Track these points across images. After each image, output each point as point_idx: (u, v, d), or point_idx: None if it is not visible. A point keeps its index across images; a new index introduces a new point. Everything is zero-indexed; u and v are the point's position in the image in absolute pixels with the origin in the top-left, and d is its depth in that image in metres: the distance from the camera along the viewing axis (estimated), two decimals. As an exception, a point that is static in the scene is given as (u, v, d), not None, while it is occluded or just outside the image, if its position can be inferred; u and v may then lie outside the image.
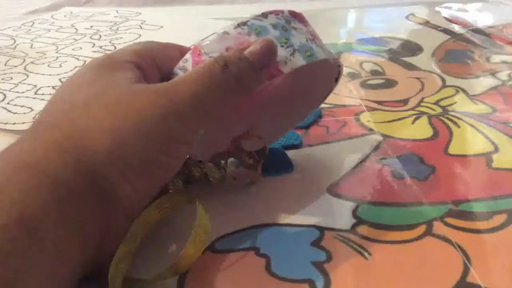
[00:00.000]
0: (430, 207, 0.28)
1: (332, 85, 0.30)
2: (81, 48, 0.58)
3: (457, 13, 0.70)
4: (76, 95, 0.23)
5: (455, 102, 0.42)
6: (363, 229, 0.27)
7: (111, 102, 0.22)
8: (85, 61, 0.53)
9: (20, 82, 0.48)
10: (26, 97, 0.44)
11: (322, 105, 0.34)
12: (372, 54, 0.54)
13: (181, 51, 0.27)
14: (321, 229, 0.27)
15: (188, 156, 0.29)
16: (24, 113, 0.41)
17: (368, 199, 0.29)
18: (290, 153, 0.34)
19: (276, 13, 0.25)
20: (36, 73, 0.50)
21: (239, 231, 0.27)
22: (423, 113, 0.40)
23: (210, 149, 0.30)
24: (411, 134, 0.36)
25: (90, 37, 0.62)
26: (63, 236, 0.19)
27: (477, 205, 0.28)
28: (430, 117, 0.39)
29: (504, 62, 0.51)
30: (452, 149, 0.34)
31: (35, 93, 0.45)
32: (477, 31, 0.61)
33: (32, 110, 0.41)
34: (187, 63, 0.25)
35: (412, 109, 0.41)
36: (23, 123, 0.39)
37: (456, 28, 0.63)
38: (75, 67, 0.51)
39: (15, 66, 0.52)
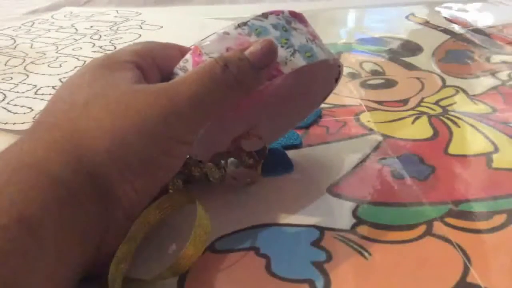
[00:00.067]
0: (430, 207, 0.28)
1: (332, 85, 0.30)
2: (81, 48, 0.58)
3: (457, 13, 0.70)
4: (76, 95, 0.23)
5: (455, 102, 0.42)
6: (363, 229, 0.27)
7: (111, 102, 0.22)
8: (85, 61, 0.53)
9: (20, 82, 0.48)
10: (26, 97, 0.44)
11: (322, 105, 0.34)
12: (372, 54, 0.54)
13: (181, 51, 0.27)
14: (321, 229, 0.27)
15: (188, 156, 0.29)
16: (24, 113, 0.41)
17: (368, 199, 0.29)
18: (290, 153, 0.34)
19: (277, 13, 0.25)
20: (36, 73, 0.50)
21: (239, 231, 0.27)
22: (423, 113, 0.40)
23: (210, 149, 0.30)
24: (411, 134, 0.36)
25: (90, 37, 0.62)
26: (63, 236, 0.19)
27: (477, 205, 0.28)
28: (430, 117, 0.39)
29: (504, 62, 0.51)
30: (452, 149, 0.34)
31: (35, 93, 0.45)
32: (477, 31, 0.61)
33: (32, 110, 0.41)
34: (187, 63, 0.25)
35: (412, 109, 0.41)
36: (23, 123, 0.39)
37: (456, 28, 0.63)
38: (75, 67, 0.51)
39: (15, 66, 0.52)
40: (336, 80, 0.30)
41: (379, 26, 0.66)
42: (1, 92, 0.45)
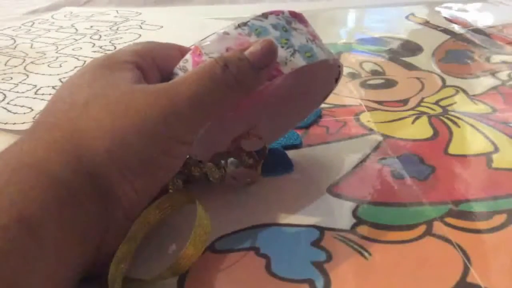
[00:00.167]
0: (430, 207, 0.28)
1: (332, 86, 0.30)
2: (81, 48, 0.58)
3: (457, 13, 0.70)
4: (76, 95, 0.23)
5: (455, 102, 0.42)
6: (363, 229, 0.27)
7: (111, 102, 0.22)
8: (85, 61, 0.53)
9: (20, 82, 0.48)
10: (26, 97, 0.44)
11: (322, 105, 0.34)
12: (372, 54, 0.54)
13: (181, 51, 0.27)
14: (321, 229, 0.27)
15: (188, 156, 0.29)
16: (24, 113, 0.41)
17: (368, 199, 0.29)
18: (290, 153, 0.34)
19: (277, 13, 0.25)
20: (36, 73, 0.50)
21: (239, 231, 0.27)
22: (423, 113, 0.40)
23: (210, 149, 0.30)
24: (411, 134, 0.36)
25: (90, 37, 0.62)
26: (63, 236, 0.19)
27: (477, 205, 0.28)
28: (430, 117, 0.39)
29: (504, 62, 0.51)
30: (452, 149, 0.34)
31: (35, 93, 0.45)
32: (477, 31, 0.61)
33: (32, 110, 0.41)
34: (187, 63, 0.25)
35: (412, 109, 0.41)
36: (23, 123, 0.39)
37: (456, 28, 0.63)
38: (75, 67, 0.51)
39: (15, 66, 0.52)
40: (336, 80, 0.30)
41: (379, 26, 0.66)
42: (1, 92, 0.45)
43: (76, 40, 0.61)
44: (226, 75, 0.23)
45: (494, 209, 0.28)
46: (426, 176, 0.31)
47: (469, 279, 0.23)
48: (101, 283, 0.21)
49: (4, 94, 0.45)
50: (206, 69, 0.23)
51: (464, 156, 0.34)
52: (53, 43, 0.60)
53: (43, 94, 0.45)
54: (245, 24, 0.25)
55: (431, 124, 0.38)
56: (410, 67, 0.50)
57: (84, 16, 0.72)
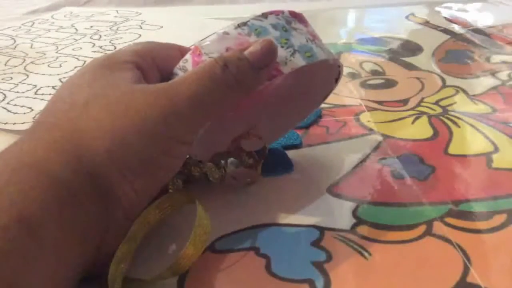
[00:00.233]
0: (430, 207, 0.28)
1: (332, 86, 0.30)
2: (81, 48, 0.58)
3: (457, 13, 0.70)
4: (76, 95, 0.23)
5: (455, 102, 0.42)
6: (363, 229, 0.27)
7: (111, 102, 0.22)
8: (85, 61, 0.53)
9: (20, 82, 0.48)
10: (26, 97, 0.44)
11: (322, 105, 0.34)
12: (372, 54, 0.54)
13: (181, 51, 0.27)
14: (321, 229, 0.27)
15: (188, 156, 0.29)
16: (24, 113, 0.41)
17: (368, 199, 0.29)
18: (290, 153, 0.34)
19: (276, 13, 0.25)
20: (36, 73, 0.50)
21: (239, 231, 0.27)
22: (423, 113, 0.40)
23: (210, 149, 0.30)
24: (411, 134, 0.36)
25: (90, 37, 0.62)
26: (63, 236, 0.19)
27: (477, 205, 0.28)
28: (430, 117, 0.39)
29: (504, 62, 0.51)
30: (452, 149, 0.34)
31: (35, 93, 0.45)
32: (477, 31, 0.61)
33: (32, 110, 0.41)
34: (187, 63, 0.25)
35: (412, 109, 0.41)
36: (23, 123, 0.39)
37: (456, 28, 0.63)
38: (75, 67, 0.51)
39: (15, 66, 0.52)
40: (336, 80, 0.30)
41: (379, 26, 0.66)
42: (1, 92, 0.45)
43: (76, 40, 0.61)
44: (226, 75, 0.23)
45: (494, 209, 0.28)
46: (426, 176, 0.31)
47: (469, 279, 0.23)
48: (101, 283, 0.21)
49: (4, 94, 0.45)
50: (206, 69, 0.23)
51: (464, 156, 0.34)
52: (53, 43, 0.60)
53: (43, 94, 0.45)
54: (245, 24, 0.25)
55: (431, 124, 0.38)
56: (410, 67, 0.50)
57: (84, 16, 0.72)
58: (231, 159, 0.31)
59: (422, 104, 0.41)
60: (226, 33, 0.25)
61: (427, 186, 0.30)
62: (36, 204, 0.18)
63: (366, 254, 0.25)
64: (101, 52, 0.55)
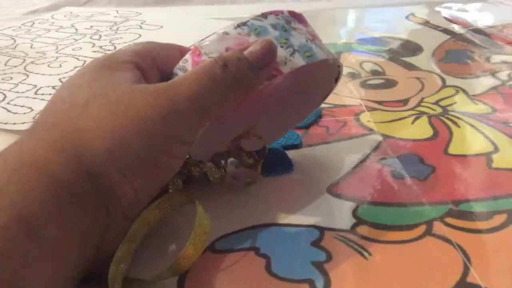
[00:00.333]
0: (430, 207, 0.28)
1: (332, 85, 0.30)
2: (81, 48, 0.58)
3: (457, 13, 0.70)
4: (76, 95, 0.23)
5: (455, 102, 0.42)
6: (363, 229, 0.27)
7: (111, 102, 0.22)
8: (85, 61, 0.53)
9: (20, 82, 0.48)
10: (26, 97, 0.44)
11: (322, 105, 0.34)
12: (372, 54, 0.54)
13: (181, 51, 0.27)
14: (321, 229, 0.27)
15: (188, 156, 0.29)
16: (24, 113, 0.41)
17: (368, 199, 0.29)
18: (290, 153, 0.34)
19: (276, 13, 0.25)
20: (36, 73, 0.50)
21: (239, 231, 0.27)
22: (423, 113, 0.40)
23: (210, 149, 0.30)
24: (411, 134, 0.36)
25: (90, 37, 0.62)
26: (63, 236, 0.19)
27: (477, 205, 0.28)
28: (430, 117, 0.39)
29: (504, 62, 0.51)
30: (452, 149, 0.34)
31: (35, 93, 0.45)
32: (477, 31, 0.61)
33: (32, 110, 0.41)
34: (187, 63, 0.25)
35: (412, 109, 0.41)
36: (23, 123, 0.39)
37: (456, 28, 0.63)
38: (75, 67, 0.51)
39: (15, 66, 0.52)
40: (336, 80, 0.30)
41: (379, 26, 0.66)
42: (1, 92, 0.45)
43: (76, 40, 0.61)
44: (226, 74, 0.23)
45: (494, 209, 0.28)
46: (426, 176, 0.31)
47: (469, 279, 0.23)
48: (101, 283, 0.21)
49: (4, 94, 0.45)
50: (206, 69, 0.23)
51: (464, 156, 0.34)
52: (53, 43, 0.60)
53: (43, 94, 0.45)
54: (244, 24, 0.25)
55: (431, 124, 0.38)
56: (410, 67, 0.50)
57: (84, 16, 0.72)
58: (231, 159, 0.31)
59: (422, 104, 0.41)
60: (226, 33, 0.25)
61: (427, 186, 0.30)
62: (36, 204, 0.18)
63: (366, 254, 0.25)
64: (101, 52, 0.55)
